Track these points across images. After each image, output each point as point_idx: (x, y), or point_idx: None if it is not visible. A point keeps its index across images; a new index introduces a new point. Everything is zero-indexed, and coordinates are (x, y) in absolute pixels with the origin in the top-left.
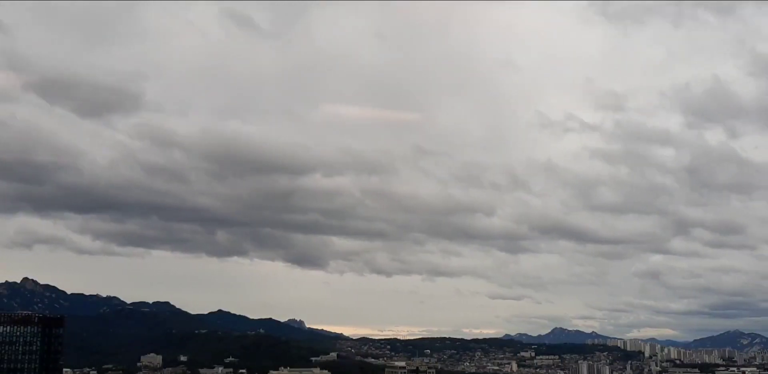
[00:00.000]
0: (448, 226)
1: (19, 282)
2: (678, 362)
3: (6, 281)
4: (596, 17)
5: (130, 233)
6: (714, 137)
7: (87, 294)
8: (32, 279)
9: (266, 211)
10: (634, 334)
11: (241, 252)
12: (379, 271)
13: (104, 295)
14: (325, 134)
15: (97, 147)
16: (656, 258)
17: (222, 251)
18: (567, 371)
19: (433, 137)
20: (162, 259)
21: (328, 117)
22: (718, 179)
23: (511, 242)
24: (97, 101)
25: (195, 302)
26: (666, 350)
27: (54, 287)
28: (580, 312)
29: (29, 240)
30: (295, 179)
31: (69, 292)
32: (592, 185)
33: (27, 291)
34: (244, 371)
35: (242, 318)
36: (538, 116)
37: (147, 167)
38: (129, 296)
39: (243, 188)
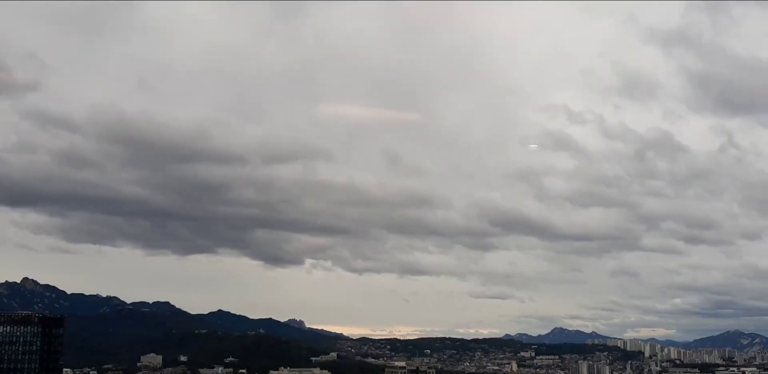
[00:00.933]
0: (407, 221)
1: (19, 282)
2: (678, 362)
3: (6, 281)
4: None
5: (75, 229)
6: (645, 121)
7: (87, 294)
8: (32, 279)
9: (207, 203)
10: (630, 334)
11: (205, 249)
12: (353, 269)
13: (104, 295)
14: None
15: None
16: (631, 255)
17: (186, 248)
18: (567, 371)
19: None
20: (153, 258)
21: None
22: (666, 169)
23: (475, 238)
24: None
25: (191, 301)
26: (666, 350)
27: (54, 287)
28: (567, 311)
29: None
30: (223, 168)
31: (69, 292)
32: (539, 175)
33: (27, 291)
34: (244, 371)
35: (242, 318)
36: None
37: (54, 154)
38: (129, 296)
39: (171, 177)
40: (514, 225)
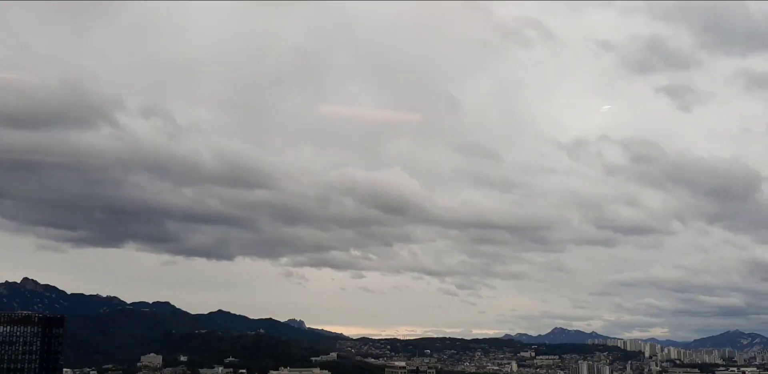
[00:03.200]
0: (286, 207)
1: (19, 282)
2: (678, 362)
3: (6, 281)
4: None
5: None
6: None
7: (87, 293)
8: (32, 279)
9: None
10: (622, 333)
11: (114, 242)
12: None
13: (104, 295)
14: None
15: None
16: (571, 247)
17: (91, 240)
18: (567, 371)
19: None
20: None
21: None
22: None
23: (377, 227)
24: None
25: (192, 301)
26: (666, 350)
27: (54, 287)
28: (541, 309)
29: None
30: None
31: (69, 292)
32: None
33: (27, 291)
34: (244, 371)
35: (242, 318)
36: None
37: None
38: (129, 296)
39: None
40: (407, 212)
